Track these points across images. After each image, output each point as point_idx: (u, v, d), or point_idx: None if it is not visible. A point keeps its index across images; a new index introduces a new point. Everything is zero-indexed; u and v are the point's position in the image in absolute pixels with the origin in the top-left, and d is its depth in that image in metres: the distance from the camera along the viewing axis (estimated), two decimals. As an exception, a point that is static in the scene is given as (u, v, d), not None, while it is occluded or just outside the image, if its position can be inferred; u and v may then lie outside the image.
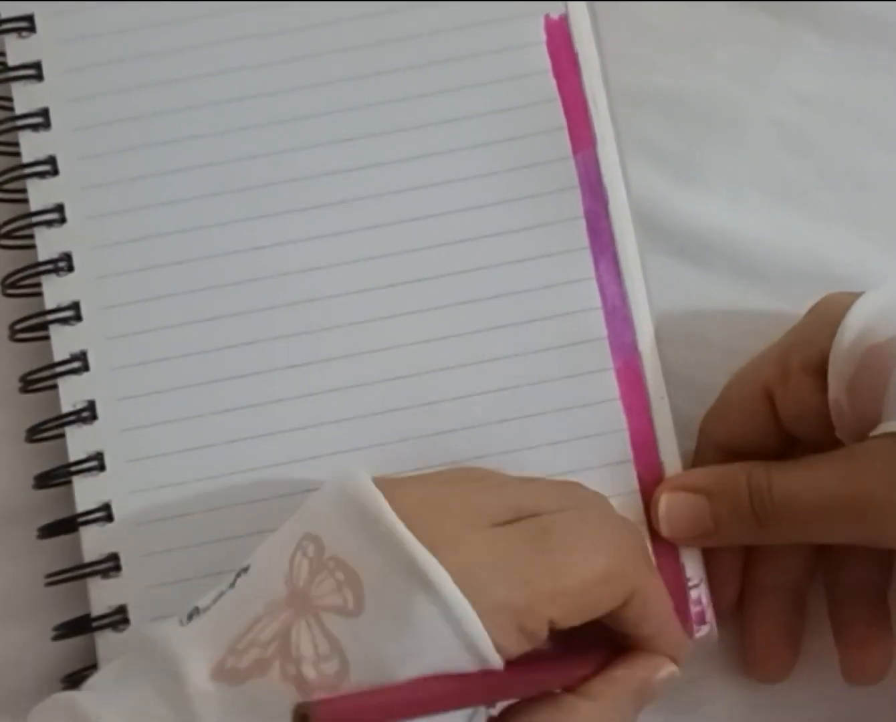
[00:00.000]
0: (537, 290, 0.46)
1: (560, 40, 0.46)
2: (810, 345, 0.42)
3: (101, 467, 0.44)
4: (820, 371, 0.42)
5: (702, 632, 0.44)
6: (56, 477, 0.44)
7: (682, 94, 0.50)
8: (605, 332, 0.45)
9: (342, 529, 0.37)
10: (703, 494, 0.43)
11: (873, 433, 0.40)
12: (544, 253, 0.46)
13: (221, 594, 0.38)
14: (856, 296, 0.42)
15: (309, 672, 0.35)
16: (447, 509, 0.38)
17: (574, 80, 0.46)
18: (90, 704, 0.36)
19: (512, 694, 0.39)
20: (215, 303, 0.45)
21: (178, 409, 0.44)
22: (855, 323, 0.41)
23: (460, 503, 0.38)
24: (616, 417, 0.45)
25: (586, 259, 0.46)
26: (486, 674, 0.37)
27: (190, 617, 0.38)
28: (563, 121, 0.46)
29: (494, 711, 0.39)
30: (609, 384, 0.45)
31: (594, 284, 0.46)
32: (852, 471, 0.40)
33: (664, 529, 0.44)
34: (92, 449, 0.44)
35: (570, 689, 0.40)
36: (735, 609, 0.45)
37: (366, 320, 0.45)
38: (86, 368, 0.45)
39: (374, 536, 0.37)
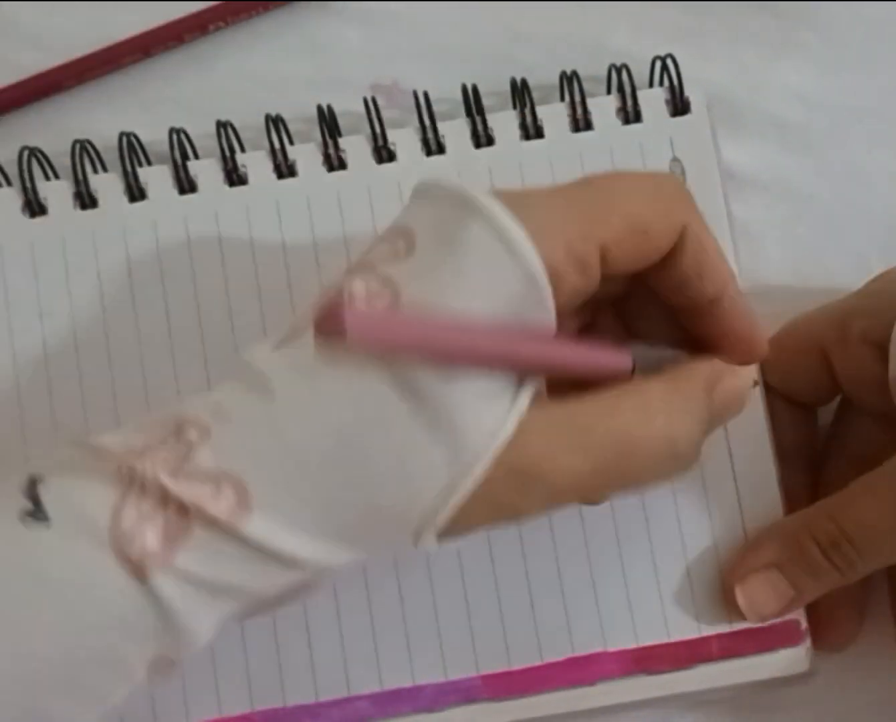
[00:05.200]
0: None
1: None
2: (872, 315, 0.42)
3: None
4: (881, 343, 0.41)
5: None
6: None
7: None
8: None
9: (404, 209, 0.37)
10: (775, 567, 0.43)
11: None
12: None
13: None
14: None
15: (361, 307, 0.34)
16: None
17: None
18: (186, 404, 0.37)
19: (565, 361, 0.37)
20: None
21: None
22: None
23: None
24: None
25: None
26: (537, 334, 0.35)
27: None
28: None
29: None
30: None
31: None
32: None
33: (752, 619, 0.43)
34: None
35: None
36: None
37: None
38: None
39: (429, 196, 0.37)
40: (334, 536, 0.35)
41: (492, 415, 0.35)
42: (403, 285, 0.34)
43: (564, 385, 0.38)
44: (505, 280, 0.35)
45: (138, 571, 0.34)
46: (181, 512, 0.34)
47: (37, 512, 0.34)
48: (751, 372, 0.40)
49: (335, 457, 0.34)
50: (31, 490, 0.35)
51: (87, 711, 0.36)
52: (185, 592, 0.34)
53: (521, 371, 0.36)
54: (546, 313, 0.35)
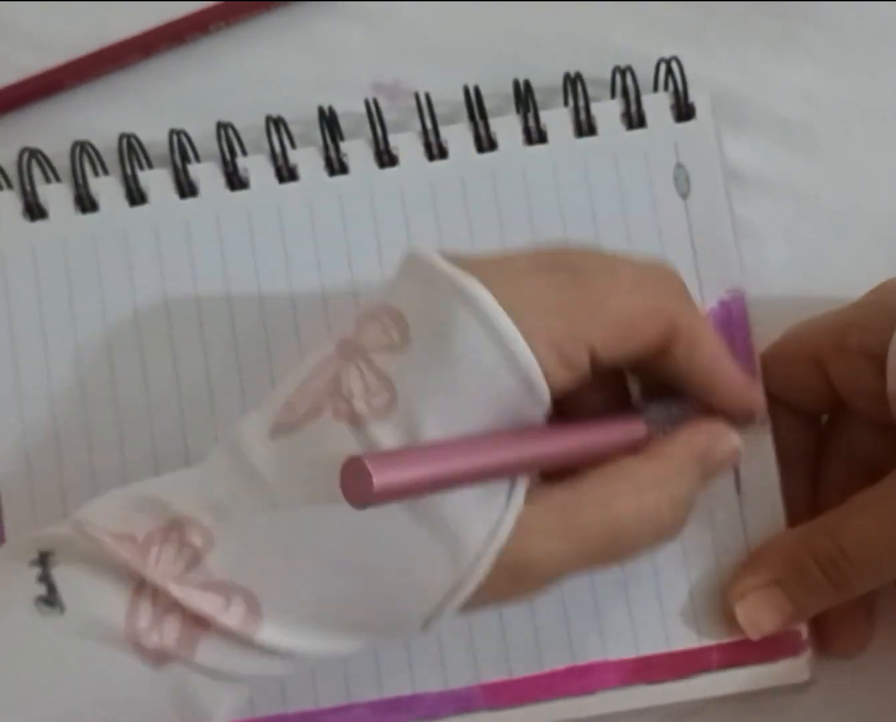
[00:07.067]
0: None
1: None
2: (869, 329, 0.42)
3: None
4: (878, 356, 0.41)
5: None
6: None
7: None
8: None
9: (388, 283, 0.38)
10: (774, 584, 0.43)
11: None
12: None
13: (276, 385, 0.39)
14: None
15: (360, 407, 0.35)
16: (484, 258, 0.38)
17: None
18: (153, 488, 0.37)
19: (565, 452, 0.38)
20: None
21: None
22: None
23: (494, 256, 0.38)
24: None
25: None
26: (539, 429, 0.37)
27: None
28: None
29: None
30: None
31: None
32: None
33: (753, 635, 0.43)
34: None
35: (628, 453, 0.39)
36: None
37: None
38: None
39: (417, 274, 0.37)
40: (342, 631, 0.37)
41: (489, 514, 0.36)
42: (399, 385, 0.35)
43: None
44: (501, 385, 0.36)
45: (156, 660, 0.35)
46: (195, 617, 0.35)
47: (51, 599, 0.35)
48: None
49: (341, 566, 0.36)
50: (45, 572, 0.36)
51: None
52: (203, 680, 0.36)
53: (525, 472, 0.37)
54: (541, 408, 0.37)
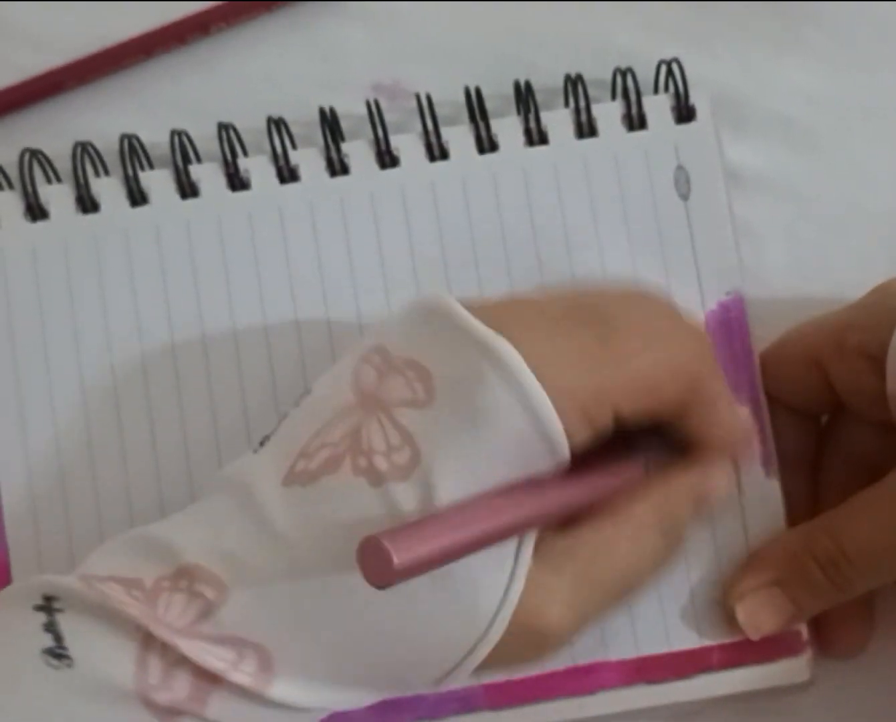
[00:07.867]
0: None
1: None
2: (868, 330, 0.42)
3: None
4: (877, 357, 0.41)
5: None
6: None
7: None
8: None
9: (409, 333, 0.37)
10: (775, 584, 0.43)
11: None
12: None
13: (286, 415, 0.38)
14: None
15: (380, 463, 0.35)
16: (511, 308, 0.38)
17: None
18: (162, 532, 0.37)
19: (574, 503, 0.38)
20: None
21: None
22: None
23: (523, 304, 0.38)
24: None
25: None
26: (547, 481, 0.36)
27: (261, 444, 0.38)
28: None
29: None
30: None
31: None
32: None
33: (753, 636, 0.43)
34: None
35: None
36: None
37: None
38: None
39: (443, 330, 0.37)
40: (354, 686, 0.37)
41: (500, 574, 0.36)
42: (422, 443, 0.35)
43: None
44: (524, 446, 0.36)
45: (166, 716, 0.35)
46: (206, 672, 0.35)
47: (59, 651, 0.35)
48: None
49: (356, 627, 0.35)
50: (51, 620, 0.35)
51: None
52: None
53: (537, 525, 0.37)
54: (558, 465, 0.37)
